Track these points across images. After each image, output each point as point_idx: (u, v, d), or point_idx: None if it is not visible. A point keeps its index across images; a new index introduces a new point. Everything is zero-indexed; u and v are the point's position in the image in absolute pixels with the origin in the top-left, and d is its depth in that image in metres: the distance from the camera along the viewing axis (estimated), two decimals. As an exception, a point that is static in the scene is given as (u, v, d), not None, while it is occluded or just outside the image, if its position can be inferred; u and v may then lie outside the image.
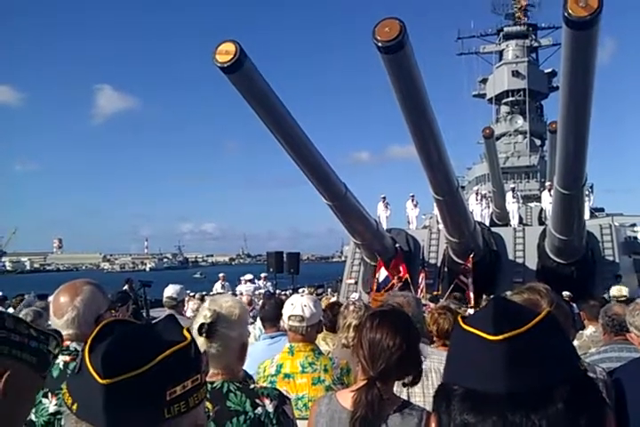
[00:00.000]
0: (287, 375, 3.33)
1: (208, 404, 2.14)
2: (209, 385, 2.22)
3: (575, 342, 5.22)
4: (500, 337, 0.84)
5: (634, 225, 25.32)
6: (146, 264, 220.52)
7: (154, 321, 1.06)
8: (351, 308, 4.31)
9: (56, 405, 2.22)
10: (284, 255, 23.91)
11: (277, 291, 19.89)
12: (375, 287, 16.03)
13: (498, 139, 36.55)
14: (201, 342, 2.29)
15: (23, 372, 1.27)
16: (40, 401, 2.25)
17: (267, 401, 2.27)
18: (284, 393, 2.44)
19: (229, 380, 2.30)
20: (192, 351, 0.96)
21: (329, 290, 25.38)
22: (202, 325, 2.31)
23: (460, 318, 0.93)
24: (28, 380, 1.30)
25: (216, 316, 2.34)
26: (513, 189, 24.69)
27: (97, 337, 0.95)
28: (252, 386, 2.40)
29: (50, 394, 2.26)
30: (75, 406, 0.92)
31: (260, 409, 2.23)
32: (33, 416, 2.24)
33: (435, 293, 14.69)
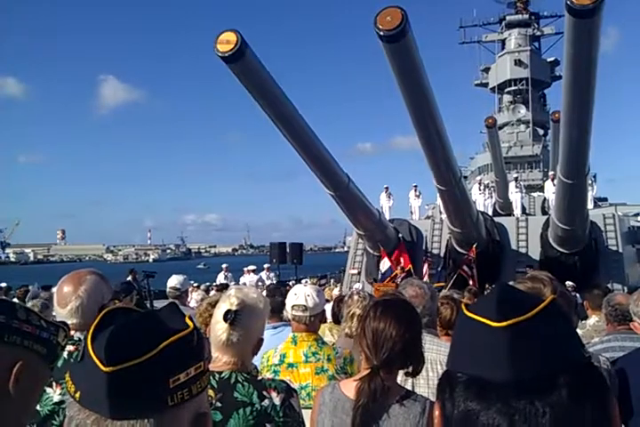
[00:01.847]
0: (290, 365, 3.33)
1: (211, 392, 2.15)
2: (217, 375, 2.22)
3: (578, 332, 5.22)
4: (504, 324, 0.84)
5: (637, 215, 25.23)
6: (149, 255, 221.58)
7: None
8: (355, 297, 4.30)
9: (60, 394, 2.23)
10: (287, 246, 23.89)
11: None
12: (379, 277, 16.05)
13: (500, 128, 36.37)
14: (223, 328, 2.29)
15: (34, 362, 1.28)
16: (44, 391, 2.25)
17: (274, 394, 2.26)
18: (292, 386, 2.44)
19: (238, 371, 2.29)
20: (195, 339, 0.96)
21: (332, 281, 25.42)
22: (228, 311, 2.29)
23: (463, 306, 0.93)
24: (38, 370, 1.30)
25: (243, 304, 2.32)
26: (516, 179, 24.60)
27: (99, 325, 0.95)
28: (259, 378, 2.39)
29: (54, 384, 2.27)
30: (78, 395, 0.92)
31: (266, 401, 2.23)
32: (37, 406, 2.25)
33: (436, 284, 14.65)
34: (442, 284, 14.89)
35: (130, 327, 0.93)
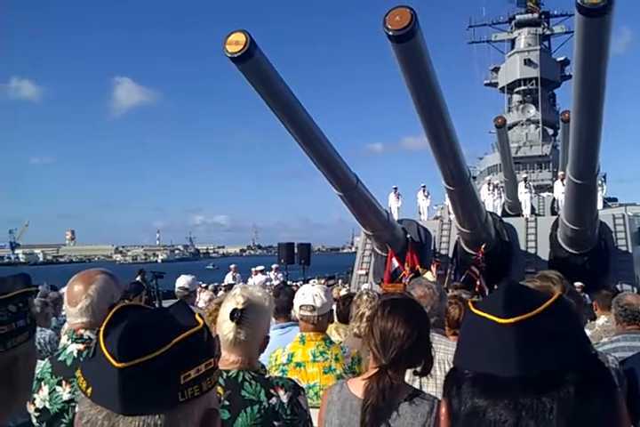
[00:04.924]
0: (298, 364, 3.35)
1: (220, 390, 2.16)
2: (224, 374, 2.23)
3: (587, 332, 5.20)
4: (512, 320, 0.84)
5: (647, 215, 25.07)
6: (157, 256, 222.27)
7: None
8: (364, 297, 4.29)
9: (70, 393, 2.24)
10: (295, 246, 23.87)
11: (288, 282, 19.94)
12: (388, 278, 16.04)
13: (510, 128, 36.28)
14: (230, 327, 2.30)
15: (24, 352, 1.30)
16: (54, 389, 2.27)
17: (281, 392, 2.27)
18: (299, 384, 2.45)
19: (245, 369, 2.30)
20: (205, 336, 0.97)
21: (340, 281, 25.42)
22: (234, 310, 2.30)
23: (470, 303, 0.93)
24: (28, 356, 1.33)
25: (249, 303, 2.34)
26: (525, 179, 24.50)
27: (111, 321, 0.96)
28: (267, 376, 2.40)
29: (64, 382, 2.28)
30: (89, 390, 0.93)
31: (274, 399, 2.24)
32: (47, 404, 2.26)
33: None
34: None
35: (142, 323, 0.94)
